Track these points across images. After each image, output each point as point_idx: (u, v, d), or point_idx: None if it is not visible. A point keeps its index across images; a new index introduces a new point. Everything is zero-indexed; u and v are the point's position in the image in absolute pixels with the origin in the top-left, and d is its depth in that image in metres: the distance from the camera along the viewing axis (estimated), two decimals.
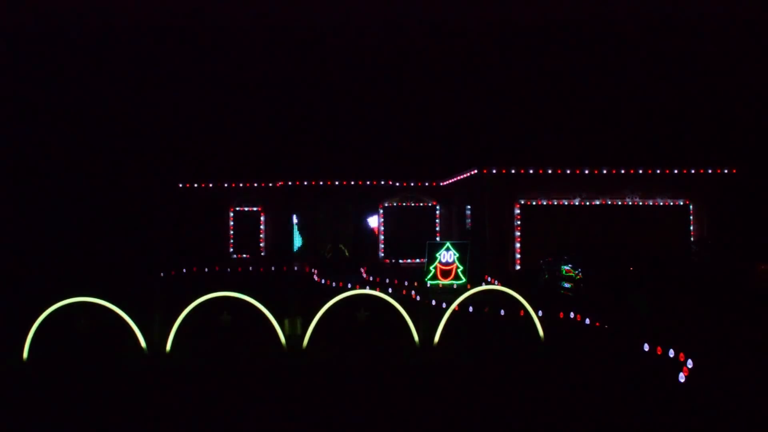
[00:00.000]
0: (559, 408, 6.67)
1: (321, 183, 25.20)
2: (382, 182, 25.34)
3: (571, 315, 11.78)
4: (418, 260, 24.16)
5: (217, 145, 30.21)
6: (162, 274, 22.52)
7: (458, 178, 23.27)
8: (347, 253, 25.06)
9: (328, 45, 35.52)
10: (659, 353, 8.62)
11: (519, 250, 20.50)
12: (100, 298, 9.19)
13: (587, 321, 11.21)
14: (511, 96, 32.04)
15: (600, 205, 20.89)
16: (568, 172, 20.78)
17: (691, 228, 21.22)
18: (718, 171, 21.39)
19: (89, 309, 9.47)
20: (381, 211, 25.46)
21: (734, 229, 20.65)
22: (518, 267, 20.38)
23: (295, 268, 24.74)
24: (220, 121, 32.25)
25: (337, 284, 18.60)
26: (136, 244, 24.91)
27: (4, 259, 22.71)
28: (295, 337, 9.68)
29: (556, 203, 20.80)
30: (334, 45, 35.45)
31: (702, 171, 21.35)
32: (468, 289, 10.47)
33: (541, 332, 9.82)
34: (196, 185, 25.52)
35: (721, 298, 14.65)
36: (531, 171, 20.71)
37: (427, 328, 9.62)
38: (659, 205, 21.21)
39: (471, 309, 12.69)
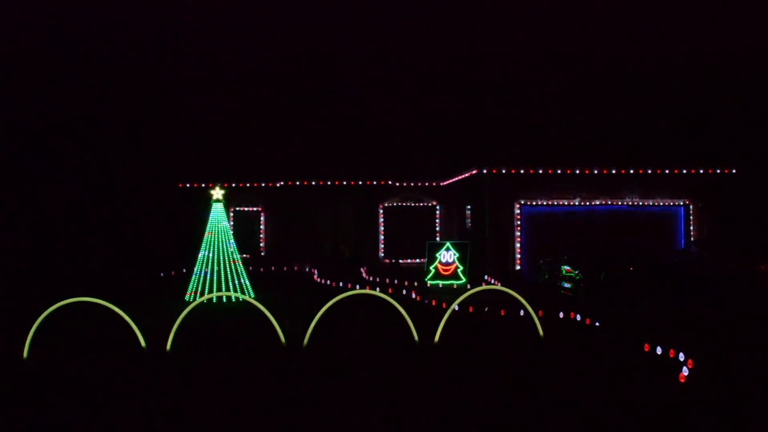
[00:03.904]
0: (559, 408, 6.67)
1: (321, 183, 25.22)
2: (382, 182, 25.35)
3: (571, 315, 11.78)
4: (418, 260, 24.17)
5: (217, 145, 30.21)
6: (162, 274, 22.53)
7: (458, 178, 23.28)
8: (347, 253, 25.05)
9: (328, 44, 35.54)
10: (659, 353, 8.62)
11: (519, 250, 20.51)
12: (101, 298, 9.20)
13: (587, 321, 11.22)
14: (512, 96, 32.05)
15: (600, 205, 20.90)
16: (568, 172, 20.79)
17: (692, 228, 21.23)
18: (718, 171, 21.40)
19: (89, 309, 9.47)
20: (381, 211, 25.46)
21: (734, 229, 20.65)
22: (518, 267, 20.39)
23: (295, 268, 24.75)
24: (221, 121, 32.25)
25: (337, 284, 18.60)
26: (135, 244, 24.92)
27: (4, 258, 22.71)
28: (295, 336, 9.68)
29: (556, 203, 20.80)
30: (334, 44, 35.46)
31: (702, 171, 21.37)
32: (468, 289, 10.50)
33: (540, 330, 9.82)
34: (196, 185, 25.54)
35: (721, 298, 14.65)
36: (531, 171, 20.71)
37: (427, 328, 9.62)
38: (659, 205, 21.22)
39: (471, 309, 12.69)
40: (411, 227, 25.49)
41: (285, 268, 24.57)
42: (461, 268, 17.89)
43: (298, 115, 32.88)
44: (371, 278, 20.13)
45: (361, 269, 22.19)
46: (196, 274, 15.60)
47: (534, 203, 20.71)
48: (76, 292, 9.38)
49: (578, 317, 11.50)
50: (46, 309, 9.04)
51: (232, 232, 16.41)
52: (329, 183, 25.23)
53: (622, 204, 21.01)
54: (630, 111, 30.67)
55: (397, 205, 25.58)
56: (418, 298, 15.14)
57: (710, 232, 20.92)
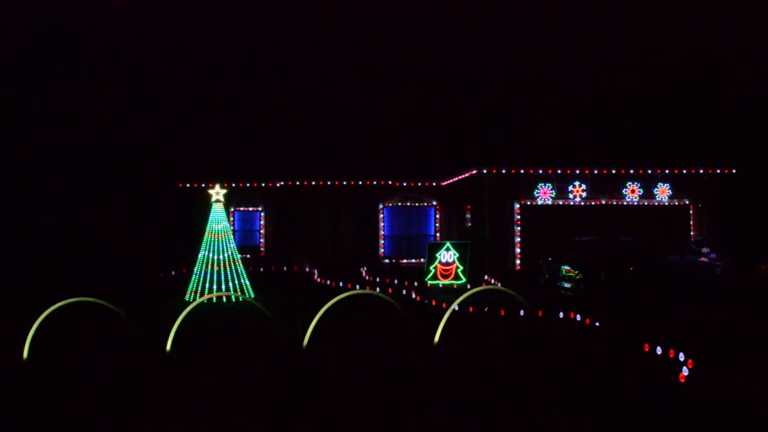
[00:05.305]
0: (559, 408, 6.67)
1: (321, 183, 25.21)
2: (382, 182, 25.34)
3: (571, 315, 11.77)
4: (418, 260, 24.16)
5: (217, 145, 30.22)
6: (162, 274, 22.52)
7: (458, 178, 23.28)
8: (347, 253, 25.05)
9: (329, 44, 35.53)
10: (659, 353, 8.62)
11: (519, 250, 20.50)
12: (100, 299, 9.20)
13: (587, 321, 11.21)
14: (512, 96, 32.04)
15: (600, 205, 20.90)
16: (568, 171, 20.79)
17: (692, 228, 21.23)
18: (718, 171, 21.40)
19: (89, 309, 9.47)
20: (381, 210, 25.45)
21: (734, 229, 20.66)
22: (518, 267, 20.38)
23: (295, 268, 24.75)
24: (221, 121, 32.26)
25: (337, 284, 18.60)
26: (135, 244, 24.91)
27: (4, 258, 22.71)
28: (295, 336, 9.68)
29: (555, 203, 20.80)
30: (334, 44, 35.46)
31: (702, 171, 21.37)
32: (468, 289, 10.50)
33: (540, 330, 9.80)
34: (196, 185, 25.53)
35: (721, 298, 14.64)
36: (531, 171, 20.71)
37: (427, 328, 9.62)
38: (659, 205, 21.21)
39: (471, 309, 12.69)
40: (411, 227, 25.50)
41: (285, 268, 24.56)
42: (461, 268, 17.88)
43: (298, 115, 32.88)
44: (371, 278, 20.12)
45: (361, 269, 22.19)
46: (196, 274, 15.60)
47: (534, 203, 20.71)
48: (76, 291, 9.38)
49: (578, 317, 11.49)
50: (45, 309, 9.04)
51: (232, 232, 16.40)
52: (329, 183, 25.22)
53: (622, 204, 21.01)
54: (630, 111, 30.68)
55: (397, 205, 25.58)
56: (418, 298, 15.14)
57: (710, 232, 20.91)
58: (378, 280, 19.50)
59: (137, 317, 9.31)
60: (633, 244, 16.45)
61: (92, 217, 25.46)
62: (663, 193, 21.12)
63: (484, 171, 20.63)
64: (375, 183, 25.32)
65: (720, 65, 31.09)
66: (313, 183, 25.22)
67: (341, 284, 18.43)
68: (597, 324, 11.01)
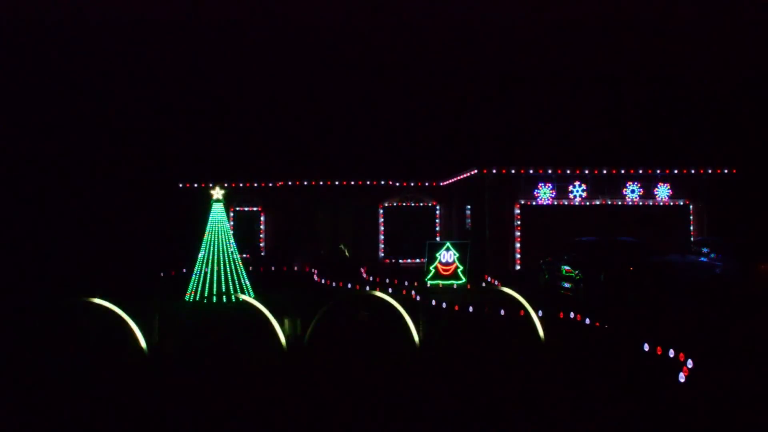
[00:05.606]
0: (559, 408, 6.67)
1: (321, 183, 25.19)
2: (382, 182, 25.33)
3: (571, 315, 11.77)
4: (418, 260, 24.14)
5: (217, 145, 30.23)
6: (162, 274, 22.51)
7: (458, 178, 23.27)
8: (347, 253, 25.03)
9: (329, 44, 35.54)
10: (659, 353, 8.62)
11: (519, 250, 20.50)
12: (101, 298, 9.19)
13: (587, 321, 11.21)
14: (512, 96, 32.04)
15: (600, 205, 20.89)
16: (568, 172, 20.78)
17: (692, 228, 21.23)
18: (718, 171, 21.39)
19: (89, 309, 9.46)
20: (381, 211, 25.45)
21: (734, 229, 20.66)
22: (518, 267, 20.38)
23: (295, 268, 24.74)
24: (221, 121, 32.25)
25: (337, 284, 18.58)
26: (135, 244, 24.90)
27: (4, 258, 22.70)
28: (295, 337, 9.68)
29: (556, 203, 20.79)
30: (334, 44, 35.46)
31: (702, 171, 21.36)
32: (468, 289, 10.49)
33: (541, 333, 9.81)
34: (196, 185, 25.52)
35: (720, 298, 14.64)
36: (531, 171, 20.70)
37: (427, 328, 9.61)
38: (659, 205, 21.21)
39: (471, 309, 12.68)
40: (411, 227, 25.49)
41: (285, 268, 24.54)
42: (461, 268, 17.87)
43: (298, 115, 32.88)
44: (371, 278, 20.11)
45: (361, 269, 22.17)
46: (196, 274, 15.59)
47: (534, 203, 20.70)
48: (77, 291, 9.38)
49: (578, 317, 11.49)
50: (46, 309, 9.03)
51: (232, 232, 16.39)
52: (329, 183, 25.21)
53: (623, 204, 21.00)
54: (630, 111, 30.67)
55: (397, 205, 25.56)
56: (418, 299, 15.14)
57: (710, 232, 20.91)
58: (378, 280, 19.49)
59: (136, 317, 9.31)
60: (633, 244, 16.44)
61: (92, 217, 25.44)
62: (663, 193, 21.12)
63: (484, 171, 20.62)
64: (375, 183, 25.30)
65: (720, 65, 31.09)
66: (313, 183, 25.20)
67: (341, 284, 18.42)
68: (597, 324, 11.01)
